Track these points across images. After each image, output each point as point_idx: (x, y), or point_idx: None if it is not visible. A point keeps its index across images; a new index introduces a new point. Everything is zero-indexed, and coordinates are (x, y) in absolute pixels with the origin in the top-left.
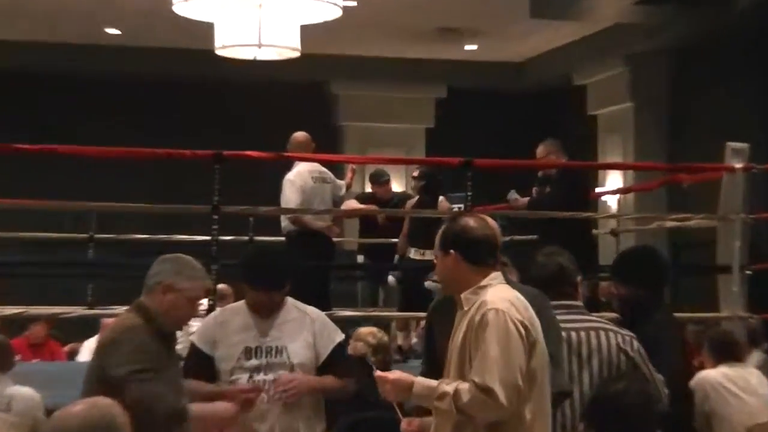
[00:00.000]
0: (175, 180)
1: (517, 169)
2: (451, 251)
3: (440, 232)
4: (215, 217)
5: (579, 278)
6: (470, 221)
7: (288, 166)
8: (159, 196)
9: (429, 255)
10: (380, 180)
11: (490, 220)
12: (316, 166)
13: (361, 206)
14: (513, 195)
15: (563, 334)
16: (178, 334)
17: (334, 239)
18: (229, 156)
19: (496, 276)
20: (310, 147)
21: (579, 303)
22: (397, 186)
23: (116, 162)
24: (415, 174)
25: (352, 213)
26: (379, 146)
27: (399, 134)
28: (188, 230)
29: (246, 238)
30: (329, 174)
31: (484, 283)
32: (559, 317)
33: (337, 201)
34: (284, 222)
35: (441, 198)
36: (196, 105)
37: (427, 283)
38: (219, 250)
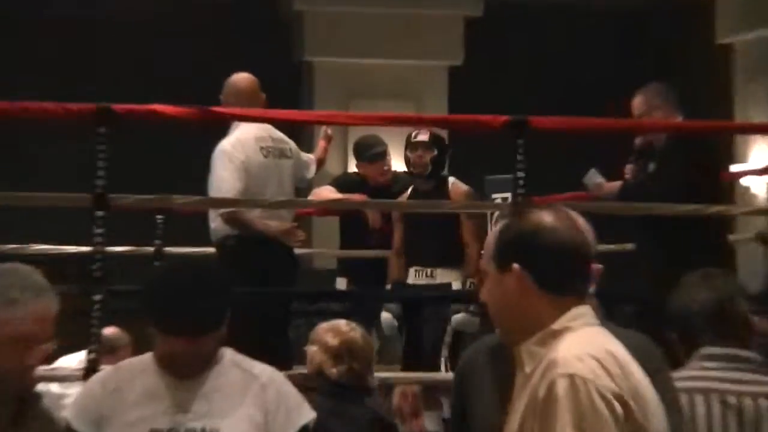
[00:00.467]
0: (33, 154)
1: (598, 134)
2: (514, 266)
3: (495, 233)
4: (99, 213)
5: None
6: (548, 219)
7: (221, 130)
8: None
9: (442, 276)
10: (372, 153)
11: (579, 218)
12: (268, 129)
13: (342, 196)
14: (594, 177)
15: (733, 401)
16: None
17: (297, 250)
18: (123, 113)
19: (582, 313)
20: (259, 98)
21: (752, 354)
22: (400, 162)
23: None
24: (420, 137)
25: (326, 204)
26: (370, 96)
27: (404, 77)
28: (54, 236)
29: (151, 249)
30: (290, 144)
31: (560, 324)
32: (717, 374)
33: (303, 187)
34: (214, 222)
35: (452, 180)
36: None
37: (457, 317)
38: (106, 268)
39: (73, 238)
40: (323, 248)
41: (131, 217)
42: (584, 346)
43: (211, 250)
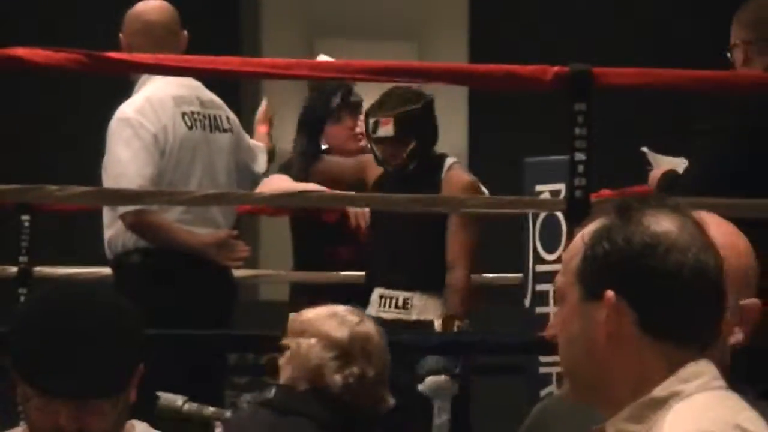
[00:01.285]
0: None
1: (679, 90)
2: (608, 294)
3: (584, 240)
4: None
5: None
6: (667, 226)
7: (121, 86)
8: None
9: (421, 309)
10: (336, 105)
11: (719, 225)
12: (194, 87)
13: (306, 185)
14: (653, 156)
15: None
16: None
17: (237, 271)
18: None
19: (701, 371)
20: (178, 39)
21: None
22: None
23: None
24: (382, 131)
25: (282, 201)
26: (347, 34)
27: (400, 4)
28: None
29: (12, 269)
30: (226, 111)
31: (667, 389)
32: None
33: (252, 178)
34: (111, 228)
35: (449, 161)
36: None
37: (432, 379)
38: None
39: None
40: (275, 268)
41: None
42: (702, 424)
43: (105, 270)
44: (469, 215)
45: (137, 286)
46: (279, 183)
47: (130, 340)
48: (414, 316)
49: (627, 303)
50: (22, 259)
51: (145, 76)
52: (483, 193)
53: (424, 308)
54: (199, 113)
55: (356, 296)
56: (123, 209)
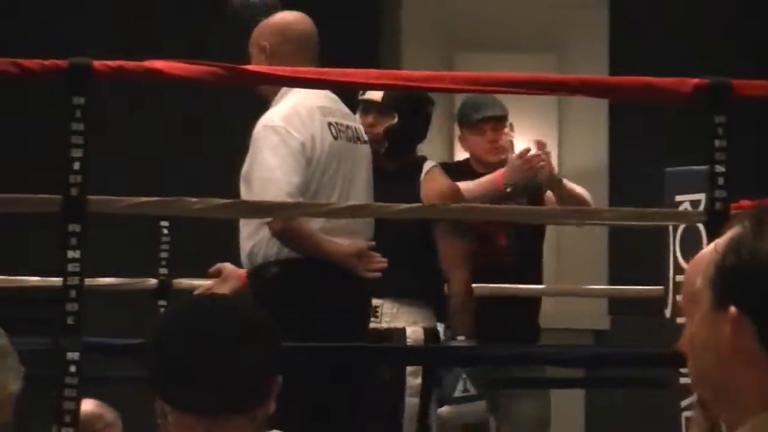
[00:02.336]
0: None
1: None
2: (731, 308)
3: (718, 248)
4: (72, 227)
5: None
6: None
7: (256, 102)
8: None
9: (394, 316)
10: (478, 118)
11: None
12: (333, 98)
13: (451, 186)
14: None
15: None
16: None
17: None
18: (107, 71)
19: None
20: (313, 50)
21: None
22: (522, 140)
23: None
24: (370, 94)
25: (416, 212)
26: (486, 47)
27: (539, 16)
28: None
29: (152, 281)
30: (360, 125)
31: None
32: None
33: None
34: (252, 238)
35: (428, 165)
36: None
37: (445, 410)
38: (84, 311)
39: (34, 263)
40: None
41: (116, 233)
42: None
43: (237, 286)
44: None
45: (276, 298)
46: (451, 186)
47: (268, 353)
48: (384, 324)
49: (749, 319)
50: (162, 271)
51: (284, 90)
52: (461, 198)
53: (395, 316)
54: (342, 124)
55: (498, 306)
56: (269, 219)
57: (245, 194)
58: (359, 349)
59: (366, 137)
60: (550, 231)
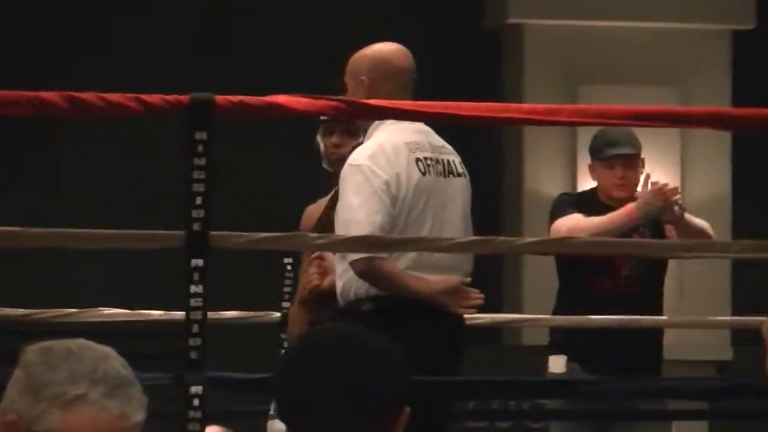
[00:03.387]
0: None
1: None
2: None
3: None
4: (196, 262)
5: None
6: None
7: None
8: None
9: None
10: (610, 154)
11: None
12: (425, 132)
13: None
14: None
15: None
16: None
17: (494, 316)
18: (230, 106)
19: None
20: (410, 84)
21: None
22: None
23: None
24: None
25: (540, 246)
26: (608, 79)
27: (661, 49)
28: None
29: (275, 314)
30: (456, 156)
31: None
32: None
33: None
34: (343, 276)
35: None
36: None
37: None
38: (204, 350)
39: (156, 298)
40: (539, 312)
41: (232, 265)
42: None
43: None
44: None
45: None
46: (582, 224)
47: (397, 384)
48: None
49: None
50: (285, 304)
51: (376, 124)
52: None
53: None
54: (431, 158)
55: (622, 338)
56: (352, 256)
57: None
58: (485, 382)
59: (462, 170)
60: (672, 261)
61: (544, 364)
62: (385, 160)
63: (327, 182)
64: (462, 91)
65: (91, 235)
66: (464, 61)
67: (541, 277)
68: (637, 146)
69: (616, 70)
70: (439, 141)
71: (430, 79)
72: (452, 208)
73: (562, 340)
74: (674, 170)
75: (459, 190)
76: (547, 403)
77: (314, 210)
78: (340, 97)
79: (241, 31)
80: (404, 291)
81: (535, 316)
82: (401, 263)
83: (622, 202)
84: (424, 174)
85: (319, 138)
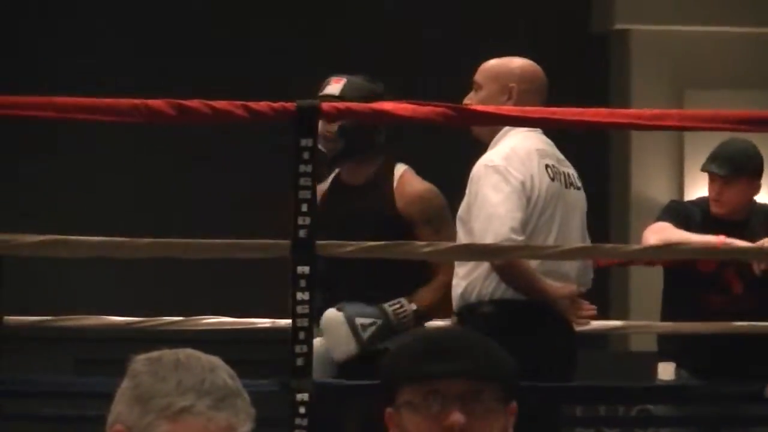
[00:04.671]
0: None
1: None
2: None
3: None
4: (302, 269)
5: None
6: None
7: (472, 144)
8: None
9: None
10: (704, 167)
11: None
12: (549, 143)
13: (683, 237)
14: None
15: None
16: None
17: (606, 323)
18: (336, 113)
19: None
20: (542, 92)
21: None
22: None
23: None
24: (329, 89)
25: (647, 252)
26: (715, 84)
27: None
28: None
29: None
30: (574, 170)
31: None
32: None
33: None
34: (468, 277)
35: (401, 169)
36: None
37: None
38: (310, 357)
39: (263, 306)
40: (646, 318)
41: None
42: None
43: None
44: (444, 217)
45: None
46: (663, 232)
47: (506, 374)
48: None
49: None
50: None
51: (504, 131)
52: (441, 200)
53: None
54: (556, 167)
55: (733, 345)
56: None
57: (463, 235)
58: (592, 388)
59: (579, 183)
60: None
61: (652, 370)
62: (519, 161)
63: (321, 169)
64: (569, 97)
65: (198, 246)
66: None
67: (647, 283)
68: (736, 168)
69: (723, 75)
70: (560, 154)
71: None
72: (573, 219)
73: (671, 348)
74: None
75: (578, 202)
76: (654, 409)
77: None
78: (445, 104)
79: (249, 29)
80: (535, 291)
81: (642, 322)
82: (535, 268)
83: (727, 217)
84: (552, 180)
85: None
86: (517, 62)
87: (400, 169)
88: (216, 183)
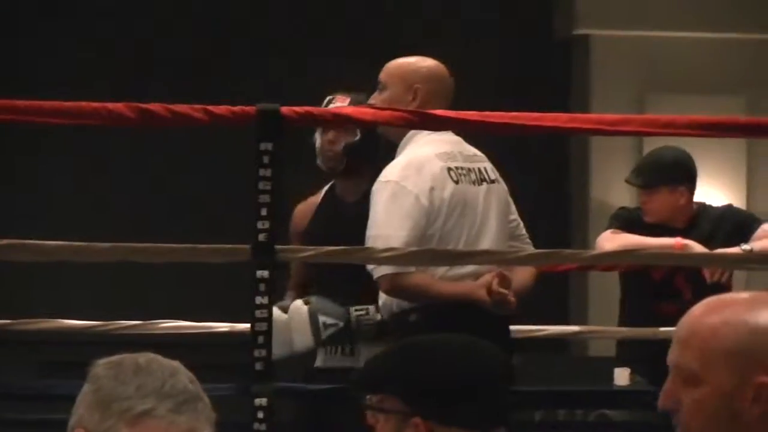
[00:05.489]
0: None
1: None
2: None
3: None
4: (261, 273)
5: None
6: None
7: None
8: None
9: (371, 354)
10: (647, 178)
11: None
12: (455, 142)
13: (641, 242)
14: None
15: None
16: None
17: (565, 327)
18: (293, 117)
19: None
20: (448, 94)
21: None
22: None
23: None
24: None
25: (606, 258)
26: (676, 88)
27: (728, 59)
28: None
29: None
30: (488, 163)
31: None
32: None
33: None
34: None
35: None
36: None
37: None
38: (270, 361)
39: (222, 310)
40: (604, 324)
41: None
42: None
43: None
44: None
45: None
46: (618, 239)
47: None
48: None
49: None
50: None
51: (408, 137)
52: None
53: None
54: (463, 168)
55: None
56: (378, 273)
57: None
58: (551, 392)
59: (494, 176)
60: (738, 285)
61: (611, 376)
62: (416, 172)
63: (319, 181)
64: (530, 102)
65: (156, 250)
66: (532, 72)
67: (606, 288)
68: (653, 178)
69: (685, 79)
70: (470, 150)
71: (498, 88)
72: (489, 217)
73: (627, 354)
74: (740, 180)
75: (493, 196)
76: (612, 414)
77: (305, 209)
78: (407, 109)
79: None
80: (438, 298)
81: (598, 327)
82: (437, 273)
83: (668, 224)
84: (457, 182)
85: (316, 135)
86: (423, 62)
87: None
88: (179, 185)
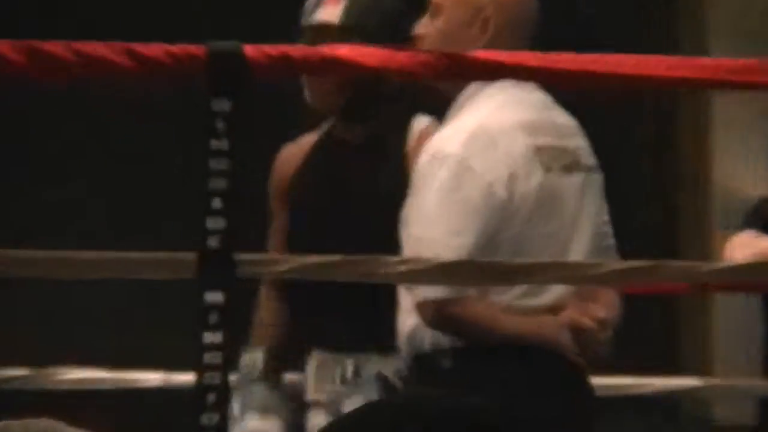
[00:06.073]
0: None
1: None
2: None
3: None
4: (212, 297)
5: None
6: None
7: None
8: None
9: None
10: None
11: None
12: (547, 105)
13: None
14: None
15: None
16: None
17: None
18: (263, 62)
19: None
20: (529, 26)
21: None
22: None
23: None
24: (321, 15)
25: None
26: None
27: None
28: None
29: None
30: (584, 139)
31: None
32: None
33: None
34: (413, 316)
35: (421, 122)
36: None
37: None
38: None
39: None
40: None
41: None
42: None
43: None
44: None
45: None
46: (759, 244)
47: None
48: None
49: None
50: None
51: (471, 91)
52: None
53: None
54: (555, 147)
55: None
56: (423, 296)
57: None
58: None
59: (591, 161)
60: None
61: None
62: (489, 149)
63: (309, 120)
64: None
65: (76, 260)
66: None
67: (739, 320)
68: None
69: None
70: (561, 117)
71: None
72: (581, 222)
73: None
74: None
75: (590, 192)
76: None
77: (292, 153)
78: (434, 50)
79: None
80: (500, 337)
81: (732, 380)
82: (506, 297)
83: None
84: (548, 170)
85: None
86: None
87: (420, 122)
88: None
